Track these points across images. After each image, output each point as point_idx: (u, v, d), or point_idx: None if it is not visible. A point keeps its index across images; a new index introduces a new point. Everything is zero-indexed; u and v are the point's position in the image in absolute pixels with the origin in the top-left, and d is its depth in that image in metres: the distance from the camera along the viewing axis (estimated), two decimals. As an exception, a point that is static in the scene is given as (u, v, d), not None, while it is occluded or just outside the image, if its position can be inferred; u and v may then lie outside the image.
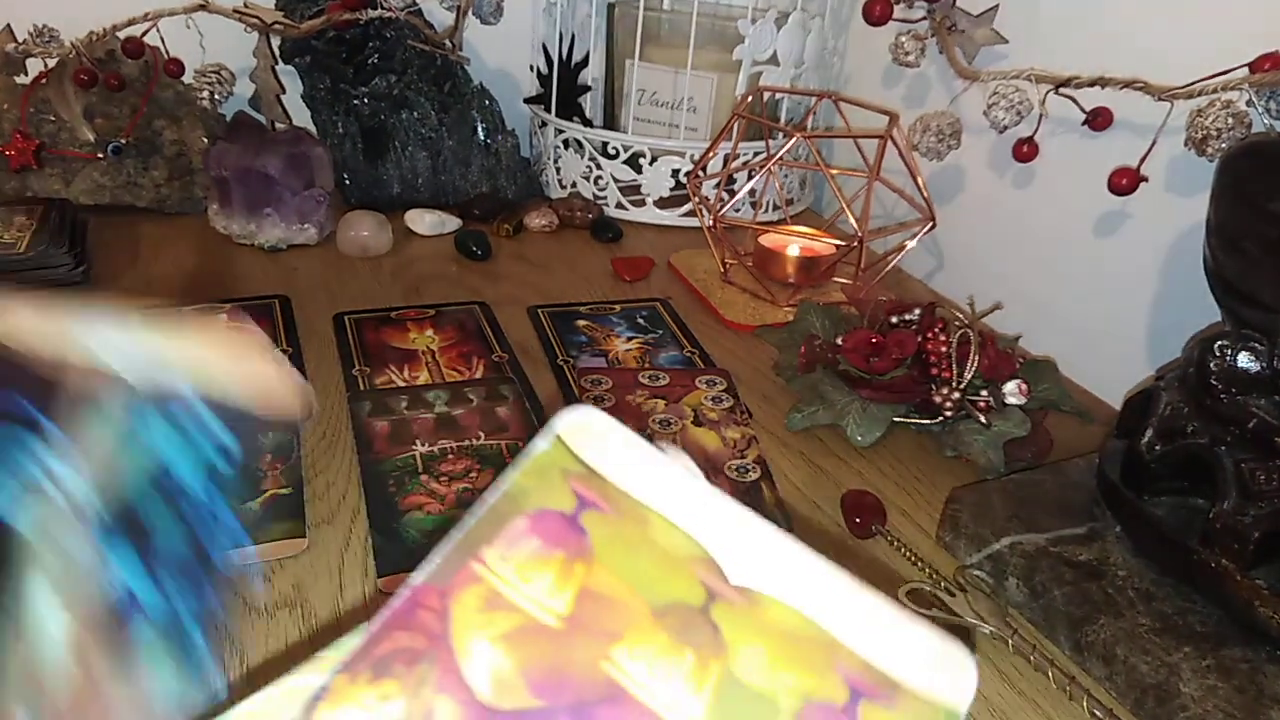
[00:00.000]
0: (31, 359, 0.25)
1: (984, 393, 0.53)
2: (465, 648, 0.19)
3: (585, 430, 0.22)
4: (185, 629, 0.24)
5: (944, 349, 0.54)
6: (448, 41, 0.84)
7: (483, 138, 0.87)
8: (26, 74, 0.77)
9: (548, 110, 0.88)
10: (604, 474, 0.21)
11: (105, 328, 0.26)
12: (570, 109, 0.90)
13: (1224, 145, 0.54)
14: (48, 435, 0.25)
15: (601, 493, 0.21)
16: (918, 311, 0.57)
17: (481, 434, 0.53)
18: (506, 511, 0.21)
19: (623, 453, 0.21)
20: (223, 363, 0.26)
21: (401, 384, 0.58)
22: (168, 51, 0.78)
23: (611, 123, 0.94)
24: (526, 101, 0.94)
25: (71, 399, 0.25)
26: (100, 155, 0.77)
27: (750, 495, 0.50)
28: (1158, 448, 0.44)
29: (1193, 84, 0.56)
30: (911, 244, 0.70)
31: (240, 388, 0.26)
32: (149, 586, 0.24)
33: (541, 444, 0.22)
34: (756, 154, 0.83)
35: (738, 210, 0.86)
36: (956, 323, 0.55)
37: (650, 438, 0.59)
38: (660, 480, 0.21)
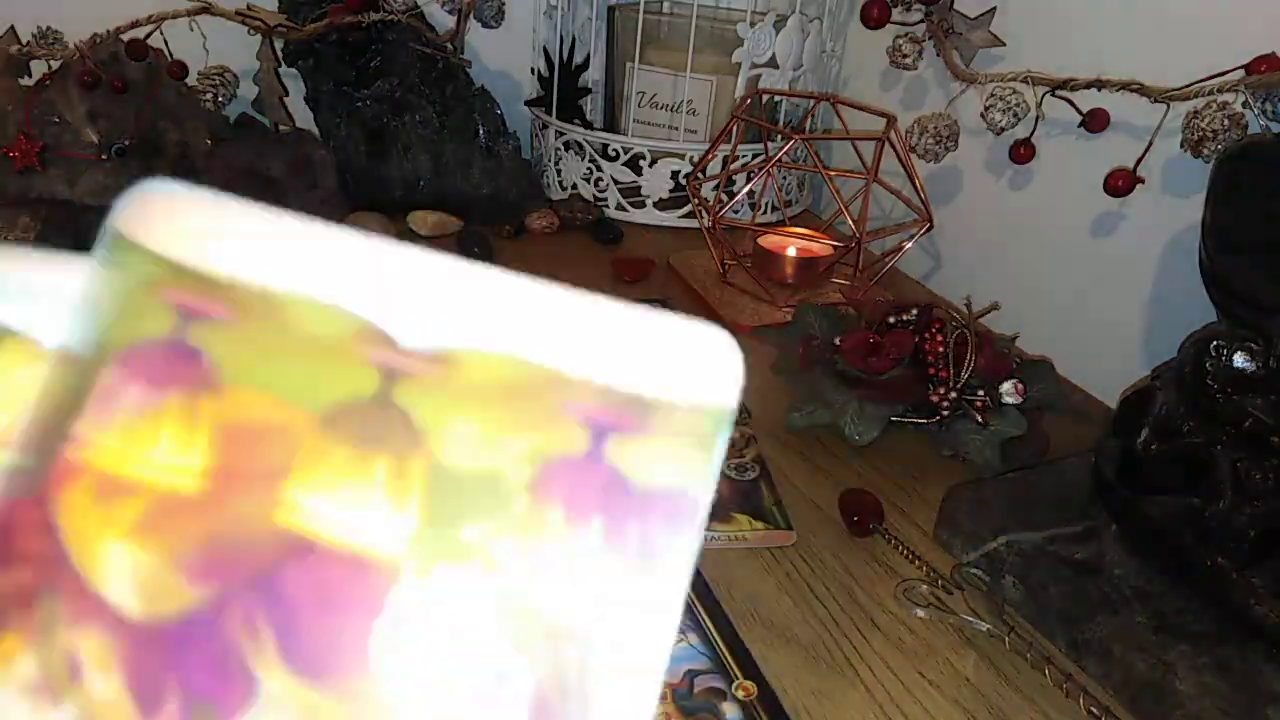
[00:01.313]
0: None
1: (981, 392, 0.54)
2: (91, 560, 0.14)
3: (165, 219, 0.16)
4: None
5: (941, 349, 0.54)
6: (449, 44, 0.85)
7: (484, 140, 0.87)
8: (30, 76, 0.77)
9: (549, 113, 0.89)
10: (207, 270, 0.15)
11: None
12: (571, 111, 0.90)
13: (1220, 147, 0.54)
14: None
15: (212, 294, 0.15)
16: (915, 312, 0.57)
17: (482, 433, 0.53)
18: (86, 365, 0.15)
19: (224, 232, 0.15)
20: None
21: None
22: (171, 54, 0.78)
23: (612, 125, 0.95)
24: (527, 104, 0.94)
25: None
26: (104, 157, 0.78)
27: (749, 494, 0.50)
28: (1154, 447, 0.44)
29: (1189, 86, 0.56)
30: (909, 245, 0.70)
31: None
32: None
33: (104, 258, 0.16)
34: (755, 156, 0.84)
35: (737, 211, 0.86)
36: (954, 323, 0.55)
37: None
38: (286, 250, 0.15)
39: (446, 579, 0.14)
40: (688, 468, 0.15)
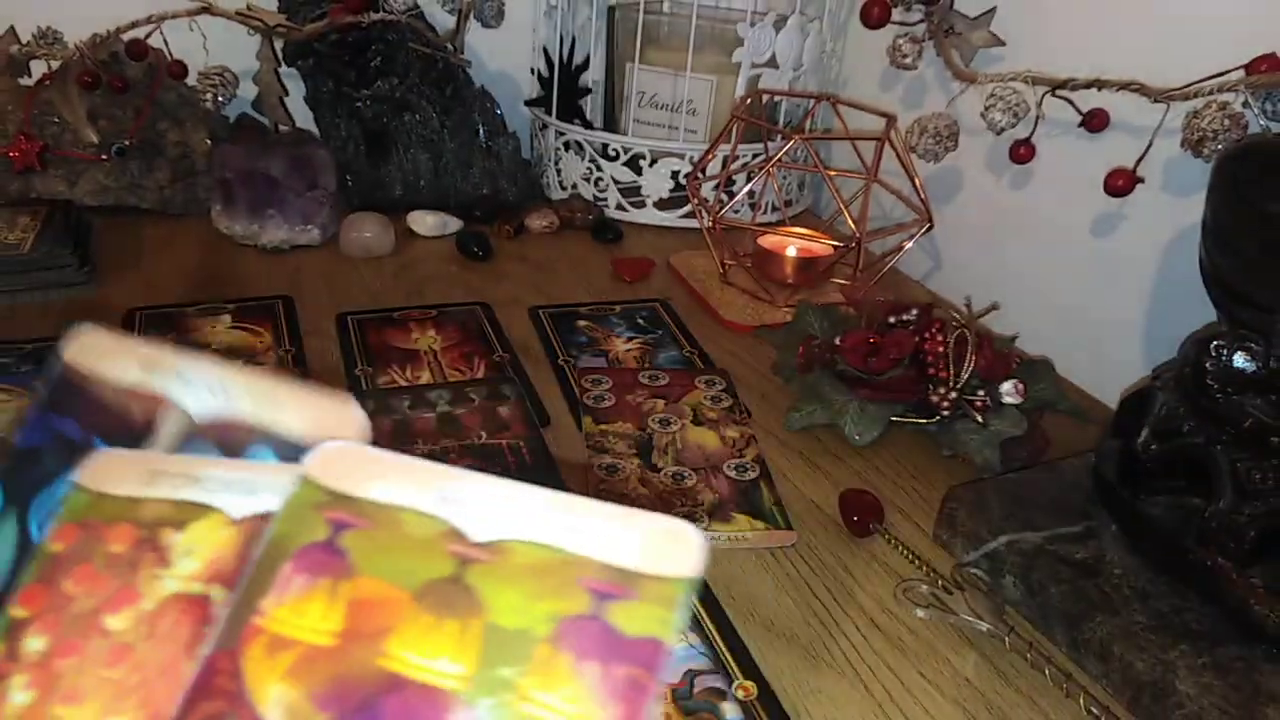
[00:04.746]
0: (101, 386, 0.28)
1: (981, 392, 0.54)
2: (260, 695, 0.21)
3: (330, 462, 0.24)
4: None
5: (941, 349, 0.54)
6: (449, 44, 0.85)
7: (484, 140, 0.87)
8: (30, 76, 0.77)
9: (548, 112, 0.89)
10: (354, 494, 0.23)
11: (174, 360, 0.28)
12: (571, 111, 0.90)
13: (1220, 146, 0.54)
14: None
15: (356, 511, 0.23)
16: (915, 312, 0.57)
17: (483, 433, 0.53)
18: (273, 561, 0.23)
19: (366, 469, 0.24)
20: (280, 393, 0.28)
21: (404, 384, 0.58)
22: (171, 54, 0.78)
23: (612, 125, 0.95)
24: (527, 104, 0.94)
25: (132, 426, 0.28)
26: (104, 157, 0.78)
27: (749, 494, 0.50)
28: (1154, 447, 0.44)
29: (1189, 86, 0.56)
30: (909, 245, 0.70)
31: (298, 417, 0.28)
32: None
33: (290, 489, 0.24)
34: (755, 156, 0.84)
35: (737, 211, 0.86)
36: (954, 323, 0.56)
37: (650, 437, 0.59)
38: (401, 479, 0.23)
39: (487, 705, 0.20)
40: (660, 622, 0.21)
